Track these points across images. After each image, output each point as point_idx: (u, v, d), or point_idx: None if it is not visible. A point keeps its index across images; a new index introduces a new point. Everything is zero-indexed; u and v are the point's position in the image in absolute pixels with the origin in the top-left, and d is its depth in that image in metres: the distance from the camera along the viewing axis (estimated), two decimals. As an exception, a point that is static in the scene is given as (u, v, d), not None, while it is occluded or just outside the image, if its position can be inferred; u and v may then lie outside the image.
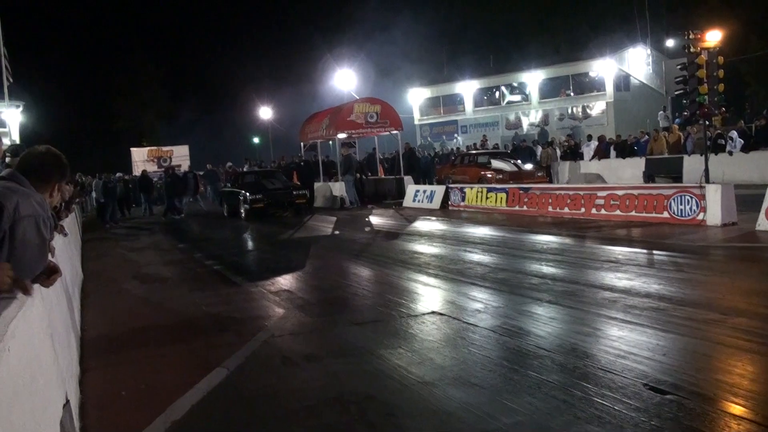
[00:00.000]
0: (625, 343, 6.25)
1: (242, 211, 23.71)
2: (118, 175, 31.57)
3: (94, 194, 27.16)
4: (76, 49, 63.19)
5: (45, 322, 4.03)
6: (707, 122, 16.67)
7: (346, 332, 7.43)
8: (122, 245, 18.69)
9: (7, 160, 8.37)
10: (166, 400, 5.56)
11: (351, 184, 26.13)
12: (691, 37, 14.24)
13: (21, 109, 35.87)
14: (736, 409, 4.59)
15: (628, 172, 25.93)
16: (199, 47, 69.94)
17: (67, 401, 4.44)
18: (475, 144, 36.13)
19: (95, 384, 6.22)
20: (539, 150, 30.98)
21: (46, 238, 3.78)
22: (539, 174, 25.73)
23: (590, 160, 28.83)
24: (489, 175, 24.63)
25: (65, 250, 9.57)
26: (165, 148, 53.51)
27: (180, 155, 52.59)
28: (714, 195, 13.46)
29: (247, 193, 23.40)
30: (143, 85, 65.52)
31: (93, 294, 10.96)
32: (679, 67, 15.11)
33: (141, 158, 51.04)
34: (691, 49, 14.25)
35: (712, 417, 4.50)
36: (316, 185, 28.47)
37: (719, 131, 23.61)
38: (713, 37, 14.30)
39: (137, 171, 40.44)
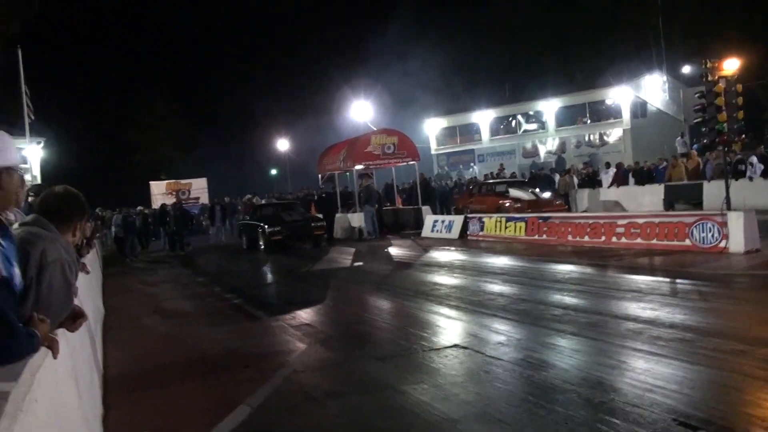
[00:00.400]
0: (652, 376, 6.16)
1: (261, 243, 23.70)
2: (138, 208, 31.75)
3: (113, 228, 27.29)
4: (93, 83, 63.95)
5: (69, 365, 4.03)
6: (726, 149, 16.59)
7: (368, 367, 7.38)
8: (142, 279, 18.78)
9: (30, 199, 8.44)
10: (190, 438, 5.54)
11: (371, 215, 26.15)
12: (708, 65, 14.21)
13: (42, 145, 36.31)
14: (769, 445, 4.51)
15: (647, 198, 25.78)
16: (216, 80, 70.69)
17: (91, 442, 4.43)
18: (491, 173, 36.10)
19: (118, 423, 6.20)
20: (557, 178, 30.91)
21: (71, 283, 3.79)
22: (558, 202, 25.61)
23: (609, 188, 28.73)
24: (507, 204, 24.56)
25: (87, 286, 9.62)
26: (183, 181, 53.80)
27: (198, 188, 52.90)
28: (736, 222, 13.34)
29: (266, 226, 23.40)
30: (160, 118, 66.11)
31: (114, 329, 10.97)
32: (697, 95, 15.08)
33: (160, 191, 51.31)
34: (709, 78, 14.22)
35: (745, 453, 4.42)
36: (336, 216, 28.48)
37: (739, 156, 23.47)
38: (731, 65, 14.26)
39: (156, 204, 40.67)
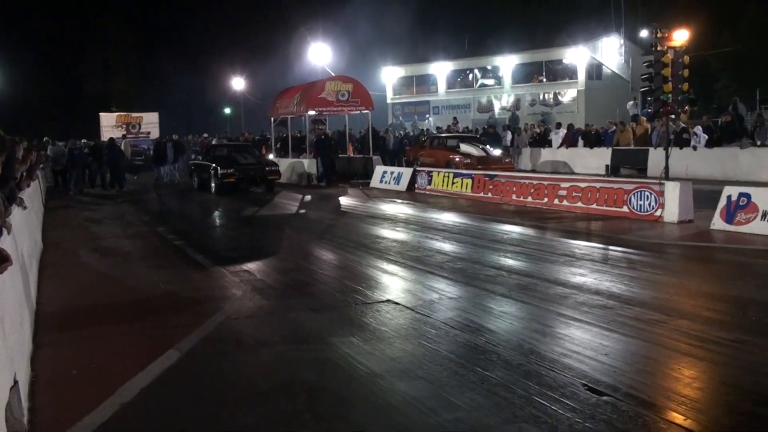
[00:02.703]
0: (570, 341, 6.44)
1: (213, 184, 23.43)
2: (82, 141, 31.00)
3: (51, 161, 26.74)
4: (45, 9, 61.91)
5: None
6: (672, 117, 16.96)
7: (301, 318, 7.53)
8: (86, 215, 18.53)
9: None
10: (118, 381, 5.63)
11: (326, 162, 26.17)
12: (658, 35, 14.43)
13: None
14: (668, 414, 4.78)
15: (594, 161, 26.25)
16: (173, 13, 68.91)
17: (15, 382, 4.51)
18: (440, 127, 36.27)
19: (47, 361, 6.27)
20: (508, 135, 31.21)
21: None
22: (507, 160, 25.93)
23: (558, 148, 29.13)
24: (457, 159, 24.78)
25: (25, 220, 9.54)
26: (134, 114, 52.84)
27: (150, 122, 52.04)
28: (672, 192, 13.71)
29: (219, 167, 23.12)
30: (114, 48, 64.56)
31: (52, 266, 10.92)
32: (645, 64, 15.32)
33: (110, 124, 50.36)
34: (658, 48, 14.46)
35: (644, 421, 4.67)
36: (289, 161, 28.34)
37: (684, 125, 23.94)
38: (680, 36, 14.48)
39: (105, 137, 39.87)
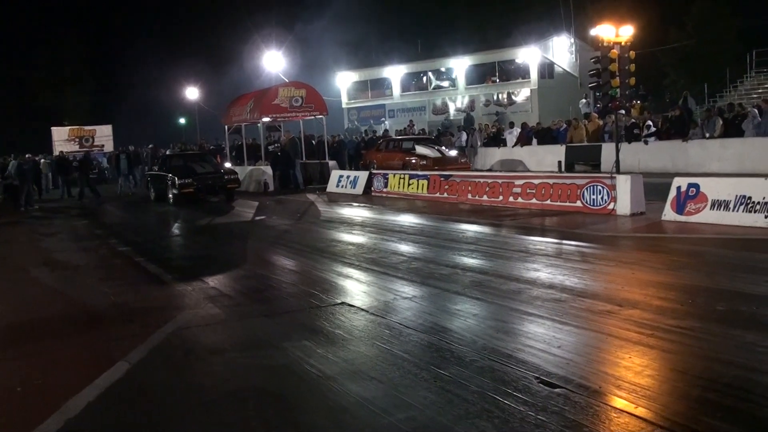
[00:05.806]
0: (524, 335, 6.45)
1: (170, 195, 22.98)
2: (27, 156, 30.32)
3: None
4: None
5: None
6: (623, 112, 17.14)
7: (253, 324, 7.44)
8: (36, 230, 18.17)
9: None
10: (63, 396, 5.48)
11: (298, 169, 25.97)
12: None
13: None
14: (619, 402, 4.78)
15: (549, 158, 26.44)
16: (124, 23, 68.03)
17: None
18: (396, 130, 36.40)
19: (-11, 379, 6.10)
20: (463, 135, 31.33)
21: None
22: (463, 160, 26.05)
23: (513, 147, 29.32)
24: (413, 161, 24.83)
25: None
26: (87, 128, 51.94)
27: (103, 135, 51.20)
28: (624, 185, 13.85)
29: (176, 177, 22.62)
30: (65, 60, 63.48)
31: (-2, 282, 10.69)
32: (592, 60, 15.48)
33: (62, 138, 49.44)
34: (604, 43, 14.62)
35: (596, 410, 4.68)
36: (246, 169, 28.08)
37: (634, 120, 24.26)
38: (625, 32, 14.68)
39: (57, 151, 39.22)
